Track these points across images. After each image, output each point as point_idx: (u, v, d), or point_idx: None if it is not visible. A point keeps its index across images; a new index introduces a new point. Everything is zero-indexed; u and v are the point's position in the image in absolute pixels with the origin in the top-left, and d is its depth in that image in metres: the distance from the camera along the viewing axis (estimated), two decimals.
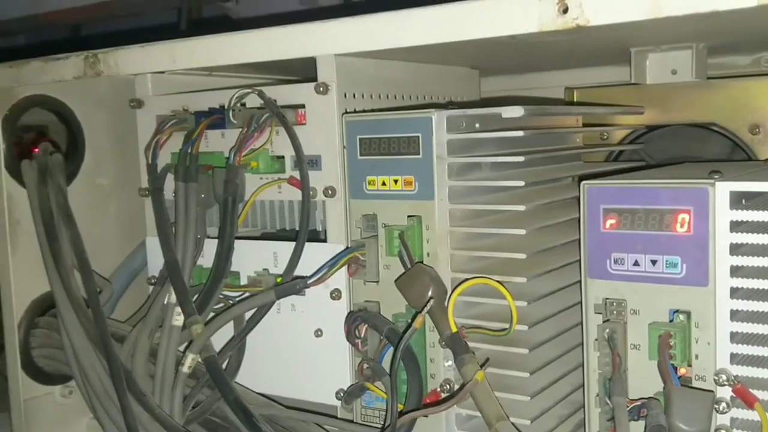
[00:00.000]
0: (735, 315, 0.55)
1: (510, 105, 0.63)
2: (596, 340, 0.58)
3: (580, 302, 0.60)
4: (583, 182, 0.59)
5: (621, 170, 0.67)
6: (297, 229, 0.73)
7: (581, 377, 0.60)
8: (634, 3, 0.55)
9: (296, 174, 0.73)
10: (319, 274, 0.70)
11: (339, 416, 0.72)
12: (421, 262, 0.67)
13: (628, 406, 0.55)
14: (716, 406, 0.54)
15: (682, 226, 0.56)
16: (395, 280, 0.67)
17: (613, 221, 0.58)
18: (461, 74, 0.93)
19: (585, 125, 0.85)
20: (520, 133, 0.64)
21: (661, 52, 0.80)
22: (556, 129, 0.79)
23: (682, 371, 0.56)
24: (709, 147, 0.86)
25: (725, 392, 0.54)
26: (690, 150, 0.86)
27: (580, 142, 0.82)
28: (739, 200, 0.55)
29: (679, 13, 0.54)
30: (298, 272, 0.72)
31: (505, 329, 0.62)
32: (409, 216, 0.67)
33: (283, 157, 0.75)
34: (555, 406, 0.67)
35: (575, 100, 0.90)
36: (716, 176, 0.56)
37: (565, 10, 0.57)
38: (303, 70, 0.80)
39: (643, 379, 0.57)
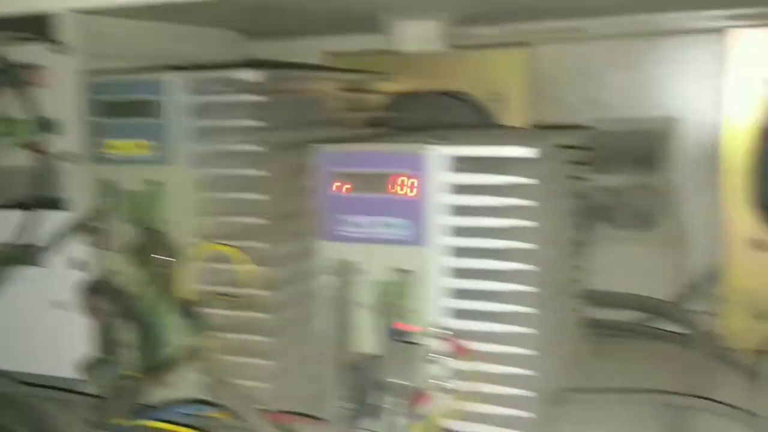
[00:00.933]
0: (451, 272, 0.58)
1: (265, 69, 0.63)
2: (327, 300, 0.60)
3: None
4: (313, 146, 0.60)
5: (366, 135, 0.69)
6: (36, 196, 0.69)
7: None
8: None
9: (36, 138, 0.69)
10: (57, 243, 0.66)
11: (79, 390, 0.70)
12: (160, 229, 0.65)
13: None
14: (433, 359, 0.58)
15: (404, 188, 0.58)
16: (132, 248, 0.64)
17: (341, 184, 0.59)
18: (224, 38, 0.91)
19: (343, 91, 0.85)
20: (261, 98, 0.63)
21: (411, 20, 0.82)
22: (309, 94, 0.79)
23: (405, 327, 0.59)
24: (459, 114, 0.90)
25: (441, 345, 0.58)
26: (442, 117, 0.90)
27: (338, 107, 0.83)
28: (459, 164, 0.58)
29: None
30: (36, 242, 0.68)
31: (246, 294, 0.62)
32: (149, 181, 0.65)
33: (21, 120, 0.70)
34: (304, 367, 0.68)
35: (334, 66, 0.91)
36: (438, 141, 0.59)
37: None
38: (45, 29, 0.75)
39: (370, 337, 0.59)
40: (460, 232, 0.58)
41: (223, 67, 0.66)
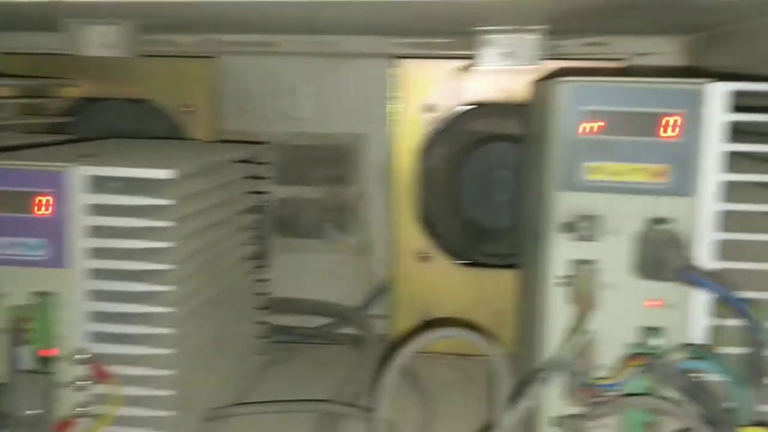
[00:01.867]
0: (94, 295, 0.57)
1: None
2: None
3: None
4: None
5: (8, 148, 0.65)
6: None
7: None
8: None
9: None
10: None
11: None
12: None
13: None
14: (77, 384, 0.56)
15: (43, 208, 0.56)
16: None
17: None
18: None
19: (22, 96, 0.81)
20: None
21: (94, 25, 0.79)
22: None
23: (47, 353, 0.56)
24: (150, 123, 0.88)
25: (83, 370, 0.56)
26: (131, 125, 0.88)
27: (11, 113, 0.78)
28: (101, 184, 0.56)
29: None
30: None
31: None
32: None
33: None
34: None
35: (6, 67, 0.85)
36: (84, 160, 0.57)
37: None
38: None
39: (5, 364, 0.56)
40: (106, 253, 0.57)
41: None
